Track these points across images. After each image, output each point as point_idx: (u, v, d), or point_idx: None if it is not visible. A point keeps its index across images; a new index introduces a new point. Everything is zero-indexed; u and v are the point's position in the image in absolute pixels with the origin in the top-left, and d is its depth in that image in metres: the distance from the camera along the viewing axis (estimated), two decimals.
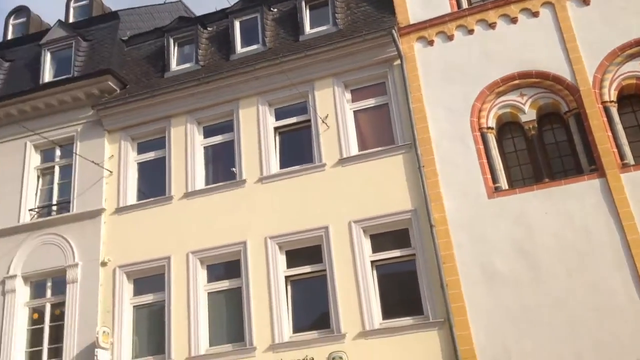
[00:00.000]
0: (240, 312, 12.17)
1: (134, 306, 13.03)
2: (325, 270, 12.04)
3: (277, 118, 13.72)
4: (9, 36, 18.25)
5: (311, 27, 14.52)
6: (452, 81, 12.60)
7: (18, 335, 13.25)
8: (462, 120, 12.27)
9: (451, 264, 11.31)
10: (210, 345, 12.25)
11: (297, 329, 11.94)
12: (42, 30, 17.55)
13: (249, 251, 12.46)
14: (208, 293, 12.64)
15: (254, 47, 14.74)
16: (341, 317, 11.52)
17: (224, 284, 12.67)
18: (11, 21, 18.61)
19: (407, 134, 12.54)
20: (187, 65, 15.12)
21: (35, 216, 14.42)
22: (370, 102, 13.33)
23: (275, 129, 13.62)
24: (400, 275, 12.08)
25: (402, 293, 11.87)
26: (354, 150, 12.86)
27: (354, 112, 13.32)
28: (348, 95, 13.42)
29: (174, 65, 15.22)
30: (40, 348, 13.21)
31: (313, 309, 12.18)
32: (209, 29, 15.71)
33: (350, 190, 12.38)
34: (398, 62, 13.09)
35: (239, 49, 14.83)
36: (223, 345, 12.15)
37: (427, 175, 12.02)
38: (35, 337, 13.40)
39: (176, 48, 15.49)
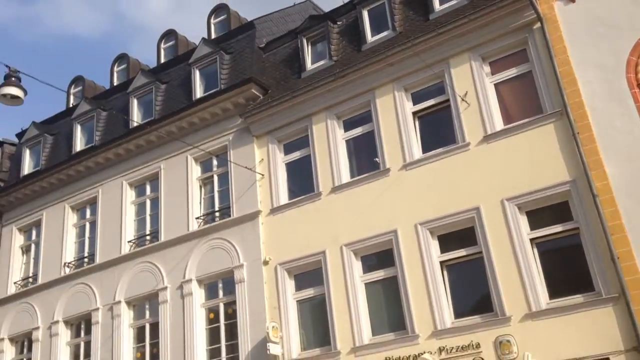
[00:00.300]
0: (398, 300, 12.20)
1: (297, 301, 13.58)
2: (481, 252, 11.66)
3: (415, 102, 13.51)
4: (162, 60, 19.84)
5: (441, 3, 14.07)
6: (601, 37, 11.53)
7: (199, 334, 14.41)
8: (616, 78, 11.20)
9: (621, 235, 10.42)
10: (373, 334, 12.42)
11: (458, 314, 11.71)
12: (189, 49, 18.85)
13: (400, 239, 12.44)
14: (365, 284, 12.82)
15: (385, 33, 14.62)
16: (504, 300, 11.10)
17: (379, 274, 12.77)
18: (162, 45, 20.22)
19: (556, 100, 11.71)
20: (321, 62, 15.39)
21: (202, 223, 15.55)
22: (511, 72, 12.63)
23: (414, 113, 13.42)
24: (564, 251, 11.37)
25: (567, 270, 11.17)
26: (499, 125, 12.28)
27: (495, 85, 12.71)
28: (487, 69, 12.83)
29: (309, 65, 15.57)
30: (218, 345, 14.26)
31: (473, 293, 11.87)
32: (338, 23, 15.85)
33: (499, 167, 11.85)
34: (538, 25, 12.25)
35: (370, 38, 14.79)
36: (385, 334, 12.27)
37: (583, 142, 11.13)
38: (213, 335, 14.48)
39: (310, 47, 15.82)
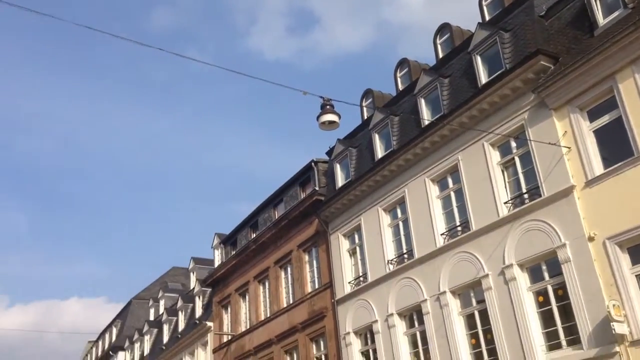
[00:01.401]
0: None
1: (636, 275, 12.50)
2: None
3: None
4: (440, 55, 20.20)
5: None
6: None
7: (531, 318, 14.21)
8: None
9: None
10: None
11: None
12: (465, 38, 18.85)
13: None
14: None
15: None
16: None
17: None
18: (438, 41, 20.57)
19: None
20: (615, 14, 14.01)
21: (511, 207, 15.35)
22: None
23: None
24: None
25: None
26: None
27: None
28: None
29: (600, 20, 14.30)
30: (554, 328, 13.86)
31: None
32: None
33: None
34: None
35: None
36: None
37: None
38: (545, 318, 14.15)
39: (598, 0, 14.52)
